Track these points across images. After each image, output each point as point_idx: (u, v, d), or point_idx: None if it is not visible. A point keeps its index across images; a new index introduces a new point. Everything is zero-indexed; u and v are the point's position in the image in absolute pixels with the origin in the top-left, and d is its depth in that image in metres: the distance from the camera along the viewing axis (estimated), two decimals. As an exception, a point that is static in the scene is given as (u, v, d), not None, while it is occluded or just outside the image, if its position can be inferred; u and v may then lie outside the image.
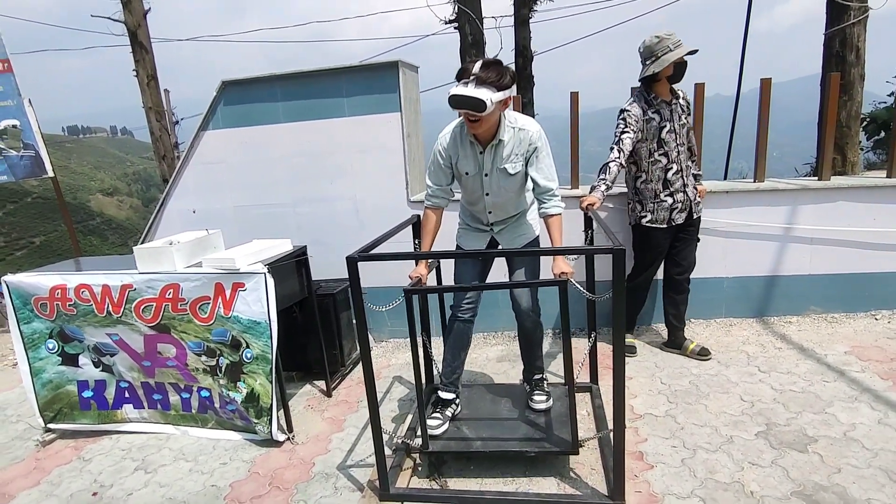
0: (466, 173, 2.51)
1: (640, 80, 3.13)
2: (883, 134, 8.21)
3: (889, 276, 3.65)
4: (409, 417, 3.01)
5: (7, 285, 3.09)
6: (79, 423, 3.21)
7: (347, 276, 2.20)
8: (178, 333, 2.92)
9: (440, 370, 2.79)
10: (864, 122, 7.93)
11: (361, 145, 3.87)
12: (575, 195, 3.67)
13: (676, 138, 3.14)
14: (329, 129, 3.87)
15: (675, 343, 3.48)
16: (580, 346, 3.69)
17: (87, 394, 3.18)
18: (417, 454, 2.59)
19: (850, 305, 3.74)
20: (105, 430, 3.21)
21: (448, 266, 3.20)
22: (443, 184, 2.57)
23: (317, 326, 3.36)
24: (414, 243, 2.93)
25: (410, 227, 2.89)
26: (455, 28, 7.69)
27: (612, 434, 2.18)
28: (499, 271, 2.80)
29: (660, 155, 3.16)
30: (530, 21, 9.03)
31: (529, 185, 2.56)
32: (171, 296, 2.87)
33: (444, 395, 2.71)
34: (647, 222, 3.24)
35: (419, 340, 2.40)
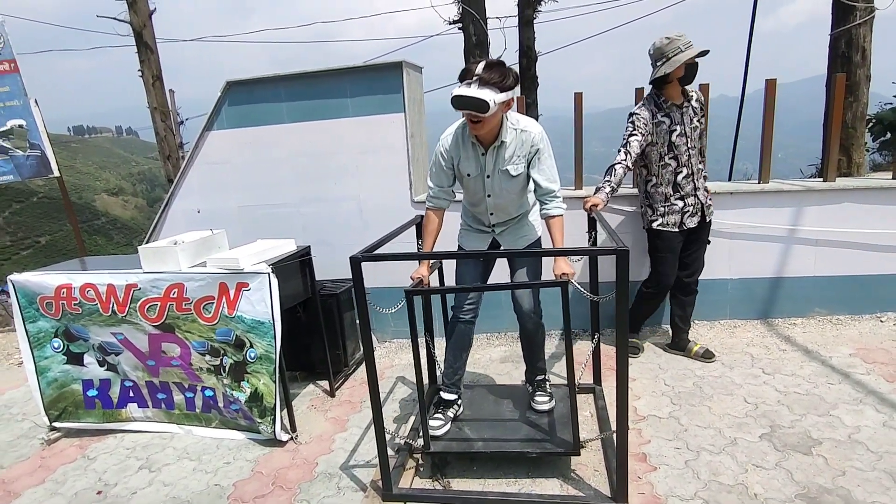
0: (468, 175, 2.51)
1: (650, 83, 3.11)
2: (889, 135, 8.17)
3: (894, 278, 3.64)
4: (412, 418, 3.01)
5: (13, 284, 3.11)
6: (83, 421, 3.23)
7: (351, 277, 2.21)
8: (183, 333, 2.93)
9: (442, 371, 2.79)
10: (870, 124, 7.89)
11: (365, 146, 3.87)
12: (579, 196, 3.66)
13: (687, 142, 3.13)
14: (333, 129, 3.88)
15: (678, 345, 3.47)
16: (584, 347, 3.69)
17: (92, 393, 3.19)
18: (420, 454, 2.59)
19: (856, 307, 3.72)
20: (110, 428, 3.22)
21: (450, 267, 3.20)
22: (444, 185, 2.57)
23: (320, 326, 3.36)
24: (417, 244, 2.94)
25: (414, 228, 2.89)
26: (459, 29, 7.68)
27: (615, 435, 2.17)
28: (501, 272, 2.80)
29: (670, 159, 3.14)
30: (534, 21, 9.02)
31: (531, 186, 2.55)
32: (175, 295, 2.88)
33: (445, 395, 2.71)
34: (657, 226, 3.23)
35: (420, 341, 2.40)
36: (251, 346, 2.85)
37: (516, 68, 8.92)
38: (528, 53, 8.92)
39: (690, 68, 3.02)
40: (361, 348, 3.72)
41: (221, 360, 2.92)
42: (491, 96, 2.17)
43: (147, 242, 3.87)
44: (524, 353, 2.85)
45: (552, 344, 3.76)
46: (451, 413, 2.68)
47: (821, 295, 3.73)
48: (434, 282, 3.05)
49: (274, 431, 2.88)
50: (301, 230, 4.04)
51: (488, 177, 2.48)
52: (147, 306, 2.93)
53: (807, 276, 3.71)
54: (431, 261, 2.75)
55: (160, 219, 4.28)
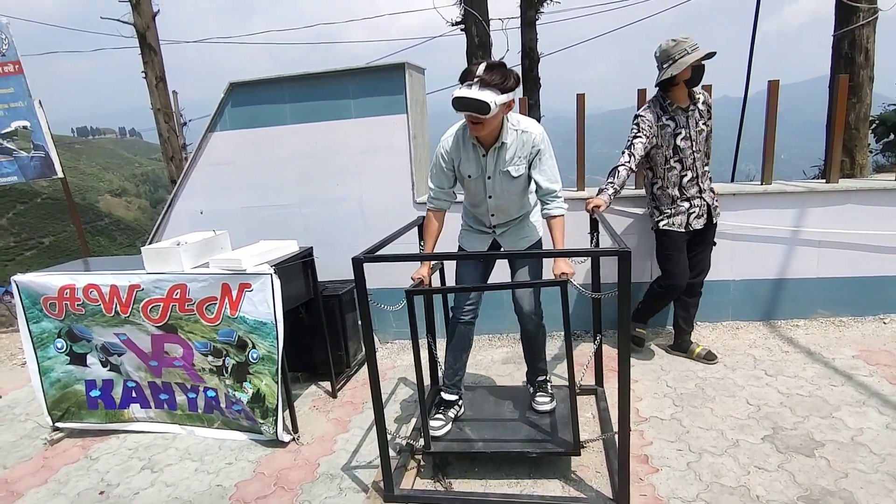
0: (469, 176, 2.51)
1: (656, 85, 3.10)
2: (892, 136, 8.16)
3: (898, 279, 3.63)
4: (414, 418, 3.01)
5: (17, 285, 3.12)
6: (86, 422, 3.24)
7: (353, 278, 2.21)
8: (185, 333, 2.94)
9: (442, 371, 2.79)
10: (874, 125, 7.88)
11: (368, 147, 3.88)
12: (581, 197, 3.66)
13: (692, 145, 3.12)
14: (336, 130, 3.88)
15: (681, 346, 3.46)
16: (587, 349, 3.69)
17: (95, 393, 3.20)
18: (421, 455, 2.59)
19: (858, 309, 3.71)
20: (112, 429, 3.23)
21: (451, 267, 3.20)
22: (445, 186, 2.57)
23: (322, 327, 3.37)
24: (419, 245, 2.94)
25: (416, 229, 2.89)
26: (462, 30, 7.70)
27: (616, 436, 2.17)
28: (502, 273, 2.80)
29: (675, 162, 3.14)
30: (537, 23, 9.02)
31: (533, 187, 2.55)
32: (178, 296, 2.89)
33: (446, 396, 2.71)
34: (664, 225, 3.22)
35: (422, 342, 2.40)
36: (253, 347, 2.85)
37: (518, 69, 8.94)
38: (530, 54, 8.93)
39: (697, 70, 3.00)
40: (363, 349, 3.73)
41: (224, 360, 2.93)
42: (492, 98, 2.17)
43: (150, 243, 3.88)
44: (525, 354, 2.85)
45: (553, 345, 3.76)
46: (451, 414, 2.68)
47: (824, 296, 3.72)
48: (436, 282, 3.05)
49: (276, 432, 2.88)
50: (303, 231, 4.05)
51: (489, 178, 2.48)
52: (150, 307, 2.94)
53: (810, 277, 3.70)
54: (432, 261, 2.75)
55: (163, 220, 4.29)
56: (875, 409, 2.70)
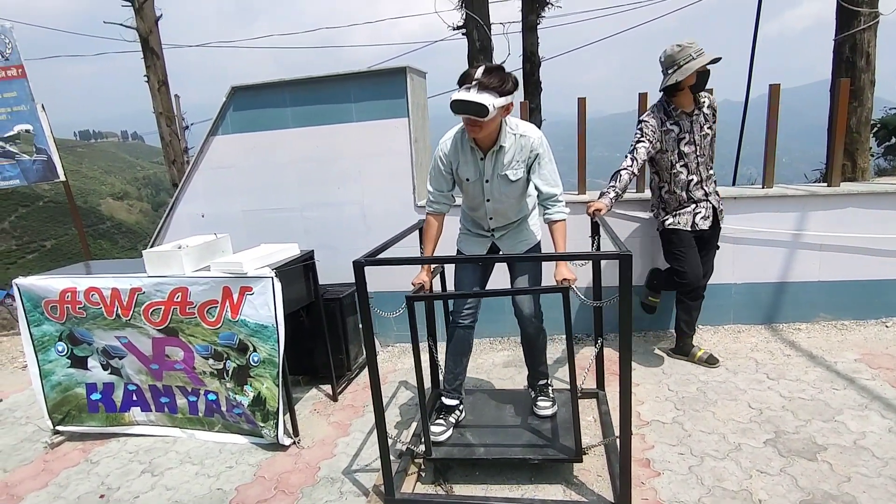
0: (467, 179, 2.51)
1: (661, 90, 3.10)
2: (893, 140, 8.16)
3: (900, 283, 3.62)
4: (415, 422, 3.00)
5: (18, 288, 3.13)
6: (87, 425, 3.24)
7: (354, 281, 2.21)
8: (186, 337, 2.94)
9: (443, 376, 2.78)
10: (875, 128, 7.88)
11: (369, 150, 3.89)
12: (582, 201, 3.66)
13: (696, 150, 3.12)
14: (337, 134, 3.89)
15: (682, 350, 3.45)
16: (588, 352, 3.68)
17: (96, 396, 3.20)
18: (422, 460, 2.59)
19: (860, 313, 3.70)
20: (113, 432, 3.23)
21: (452, 271, 3.20)
22: (444, 189, 2.57)
23: (323, 331, 3.37)
24: (420, 248, 2.94)
25: (417, 232, 2.89)
26: (463, 34, 7.71)
27: (618, 441, 2.17)
28: (501, 277, 2.80)
29: (681, 167, 3.14)
30: (538, 27, 9.04)
31: (531, 190, 2.55)
32: (179, 299, 2.89)
33: (447, 401, 2.70)
34: (670, 224, 3.22)
35: (423, 345, 2.40)
36: (254, 350, 2.85)
37: (520, 73, 8.97)
38: (531, 58, 8.94)
39: (702, 76, 3.00)
40: (364, 352, 3.73)
41: (225, 363, 2.93)
42: (490, 100, 2.17)
43: (151, 246, 3.89)
44: (526, 358, 2.84)
45: (555, 349, 3.75)
46: (452, 418, 2.67)
47: (825, 300, 3.71)
48: (437, 286, 3.05)
49: (276, 435, 2.88)
50: (305, 234, 4.06)
51: (487, 181, 2.48)
52: (151, 310, 2.94)
53: (811, 280, 3.69)
54: (432, 266, 2.74)
55: (165, 223, 4.30)
56: (877, 413, 2.69)
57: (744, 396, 2.96)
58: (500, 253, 2.71)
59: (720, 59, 2.99)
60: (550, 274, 2.47)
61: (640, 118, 3.17)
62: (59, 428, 3.24)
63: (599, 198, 3.09)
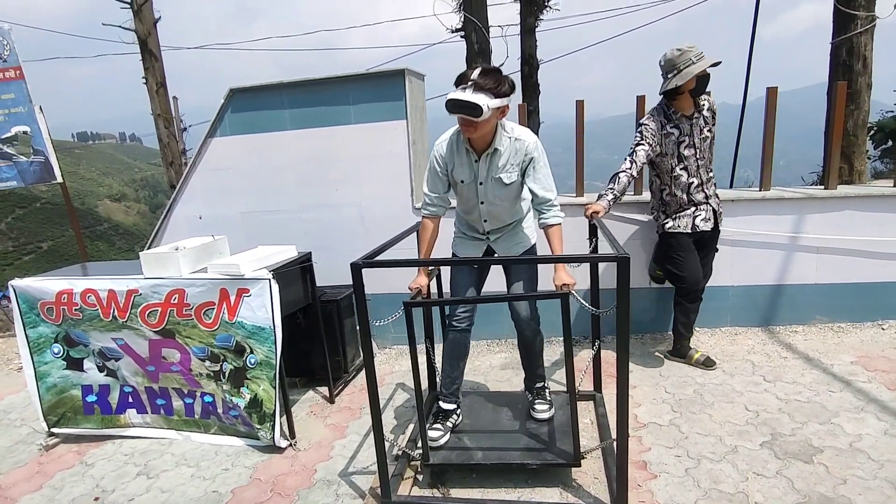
0: (461, 181, 2.51)
1: (661, 94, 3.11)
2: (890, 143, 8.18)
3: (896, 286, 3.63)
4: (412, 425, 3.00)
5: (14, 289, 3.11)
6: (82, 427, 3.22)
7: (352, 283, 2.21)
8: (183, 338, 2.93)
9: (440, 380, 2.77)
10: (872, 131, 7.90)
11: (367, 152, 3.89)
12: (580, 203, 3.67)
13: (696, 153, 3.12)
14: (335, 136, 3.89)
15: (679, 352, 3.45)
16: (585, 354, 3.68)
17: (91, 398, 3.19)
18: (419, 464, 2.58)
19: (857, 315, 3.71)
20: (108, 434, 3.22)
21: (448, 273, 3.20)
22: (440, 192, 2.56)
23: (320, 333, 3.36)
24: (418, 251, 2.94)
25: (415, 235, 2.89)
26: (461, 37, 7.72)
27: (615, 443, 2.16)
28: (497, 279, 2.80)
29: (681, 170, 3.15)
30: (536, 30, 9.07)
31: (525, 194, 2.55)
32: (176, 301, 2.89)
33: (444, 405, 2.69)
34: (670, 228, 3.22)
35: (420, 347, 2.39)
36: (251, 352, 2.85)
37: (518, 76, 8.99)
38: (529, 61, 8.96)
39: (702, 79, 3.00)
40: (361, 354, 3.72)
41: (221, 365, 2.92)
42: (484, 101, 2.18)
43: (149, 248, 3.88)
44: (523, 361, 2.84)
45: (552, 351, 3.75)
46: (449, 423, 2.66)
47: (822, 302, 3.72)
48: (434, 289, 3.05)
49: (273, 438, 2.87)
50: (302, 236, 4.05)
51: (481, 184, 2.48)
52: (147, 312, 2.93)
53: (808, 283, 3.70)
54: (430, 268, 2.74)
55: (162, 225, 4.29)
56: (873, 416, 2.70)
57: (740, 399, 2.96)
58: (496, 255, 2.70)
59: (720, 62, 2.99)
60: (547, 276, 2.47)
61: (640, 121, 3.17)
62: (55, 430, 3.23)
63: (597, 200, 3.10)
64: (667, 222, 3.24)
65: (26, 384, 3.24)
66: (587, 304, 2.33)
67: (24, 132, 4.49)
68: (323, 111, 3.87)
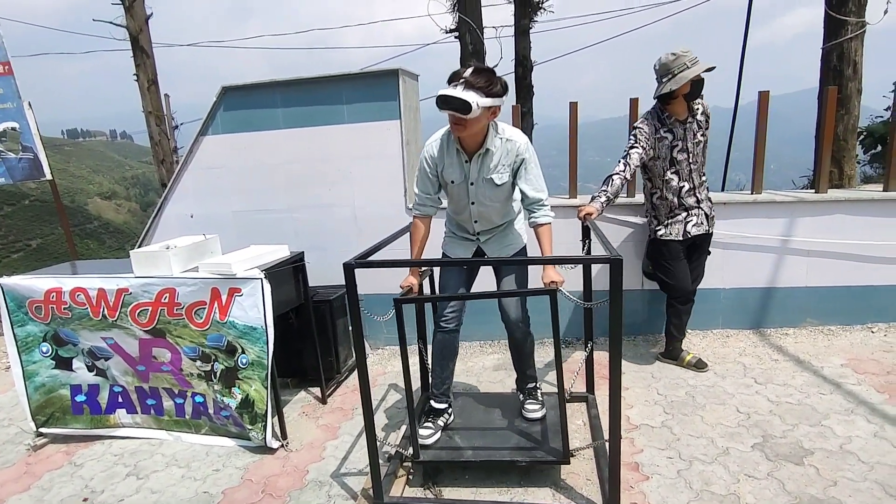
0: (452, 182, 2.50)
1: (655, 98, 3.11)
2: (879, 148, 8.26)
3: (886, 289, 3.66)
4: (404, 425, 2.99)
5: (2, 288, 3.08)
6: (71, 427, 3.19)
7: (344, 283, 2.20)
8: (174, 338, 2.91)
9: (431, 380, 2.77)
10: (861, 136, 7.98)
11: (361, 152, 3.88)
12: (574, 205, 3.68)
13: (689, 157, 3.14)
14: (328, 135, 3.88)
15: (671, 354, 3.47)
16: (578, 355, 3.69)
17: (81, 398, 3.16)
18: (411, 463, 2.58)
19: (847, 318, 3.74)
20: (97, 434, 3.18)
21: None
22: (430, 192, 2.56)
23: (313, 333, 3.34)
24: (410, 251, 2.93)
25: (408, 235, 2.88)
26: (456, 37, 7.73)
27: (607, 444, 2.17)
28: (487, 280, 2.79)
29: (672, 174, 3.16)
30: (530, 31, 9.09)
31: (516, 195, 2.55)
32: (167, 300, 2.86)
33: (435, 404, 2.69)
34: (661, 235, 3.24)
35: (413, 348, 2.39)
36: (243, 352, 2.83)
37: (512, 77, 9.01)
38: (523, 62, 8.99)
39: (696, 84, 3.00)
40: (354, 355, 3.71)
41: (212, 365, 2.90)
42: (474, 99, 2.17)
43: (139, 247, 3.84)
44: (514, 362, 2.84)
45: (545, 352, 3.75)
46: (441, 422, 2.66)
47: (813, 305, 3.75)
48: (428, 290, 3.04)
49: (264, 438, 2.85)
50: (295, 236, 4.03)
51: (472, 184, 2.48)
52: (138, 311, 2.91)
53: (799, 286, 3.73)
54: (421, 268, 2.74)
55: (153, 223, 4.26)
56: (863, 418, 2.72)
57: (732, 401, 2.98)
58: (486, 257, 2.70)
59: (714, 67, 3.00)
60: (537, 278, 2.46)
61: (634, 124, 3.18)
62: (43, 430, 3.19)
63: (590, 202, 3.11)
64: (659, 229, 3.25)
65: (14, 384, 3.20)
66: (575, 299, 2.33)
67: (13, 128, 4.44)
68: (316, 110, 3.85)
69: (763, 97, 3.61)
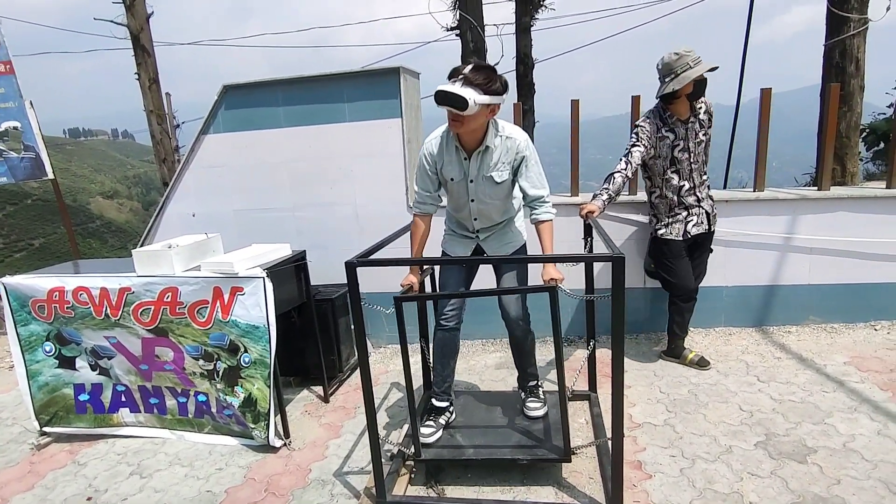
0: (451, 179, 2.50)
1: (657, 97, 3.11)
2: (882, 145, 8.24)
3: (888, 286, 3.65)
4: (406, 424, 2.99)
5: (5, 287, 3.08)
6: (74, 426, 3.20)
7: (346, 282, 2.20)
8: (176, 337, 2.91)
9: (432, 379, 2.77)
10: (864, 133, 7.97)
11: (362, 150, 3.87)
12: (575, 203, 3.67)
13: (690, 157, 3.13)
14: (330, 134, 3.87)
15: (674, 352, 3.47)
16: (580, 354, 3.69)
17: (84, 397, 3.16)
18: (413, 462, 2.58)
19: (850, 316, 3.73)
20: (101, 433, 3.19)
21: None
22: (430, 189, 2.55)
23: (315, 331, 3.35)
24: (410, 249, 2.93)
25: (410, 233, 2.88)
26: (457, 35, 7.72)
27: (610, 443, 2.17)
28: (487, 278, 2.79)
29: (672, 173, 3.16)
30: (531, 29, 9.07)
31: (516, 192, 2.55)
32: (169, 299, 2.87)
33: (437, 403, 2.69)
34: (662, 234, 3.24)
35: (415, 346, 2.39)
36: (245, 351, 2.83)
37: (513, 75, 8.99)
38: (524, 60, 8.98)
39: (699, 84, 2.99)
40: (356, 353, 3.71)
41: (215, 364, 2.90)
42: (472, 95, 2.17)
43: (141, 246, 3.85)
44: (515, 360, 2.83)
45: (547, 350, 3.75)
46: (442, 420, 2.66)
47: (815, 303, 3.74)
48: (428, 288, 3.04)
49: (267, 437, 2.85)
50: (296, 234, 4.03)
51: (471, 181, 2.47)
52: (140, 310, 2.91)
53: (801, 284, 3.72)
54: (422, 267, 2.74)
55: (155, 222, 4.26)
56: (866, 416, 2.72)
57: (735, 399, 2.97)
58: (486, 254, 2.70)
59: (717, 67, 2.98)
60: (537, 275, 2.46)
61: (636, 123, 3.18)
62: (46, 429, 3.20)
63: (592, 200, 3.10)
64: (660, 228, 3.25)
65: (17, 383, 3.21)
66: (574, 294, 2.32)
67: (15, 128, 4.44)
68: (317, 109, 3.85)
69: (765, 94, 3.60)
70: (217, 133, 4.01)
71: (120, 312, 2.94)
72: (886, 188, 3.65)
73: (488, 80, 2.22)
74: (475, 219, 2.59)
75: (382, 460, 2.36)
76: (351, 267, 2.17)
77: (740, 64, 6.68)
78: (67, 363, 3.14)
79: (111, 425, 3.18)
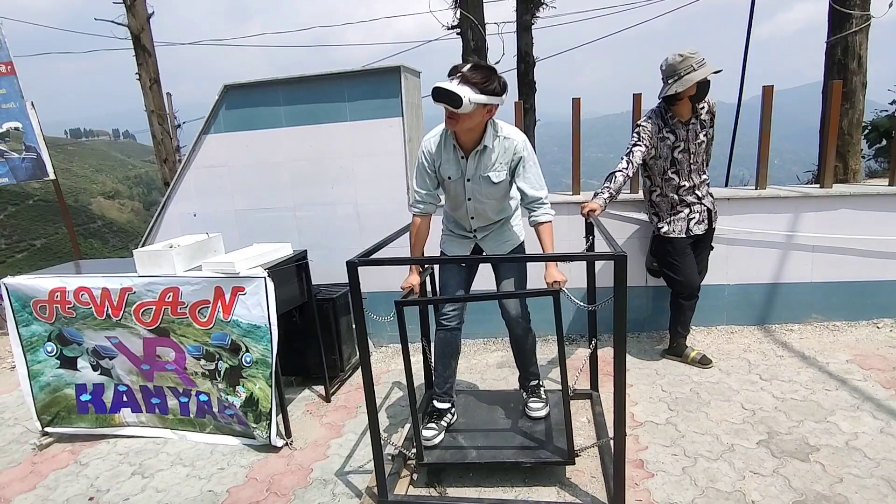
0: (449, 178, 2.50)
1: (660, 98, 3.10)
2: (884, 142, 8.21)
3: (891, 284, 3.64)
4: (408, 423, 2.99)
5: (6, 288, 3.08)
6: (76, 426, 3.20)
7: (347, 281, 2.20)
8: (178, 337, 2.91)
9: (434, 379, 2.76)
10: (866, 131, 7.93)
11: (363, 150, 3.87)
12: (576, 201, 3.67)
13: (690, 157, 3.12)
14: (331, 133, 3.87)
15: (676, 350, 3.46)
16: (582, 352, 3.68)
17: (85, 397, 3.17)
18: (415, 463, 2.57)
19: (852, 314, 3.72)
20: (102, 433, 3.19)
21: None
22: (429, 188, 2.54)
23: (316, 331, 3.35)
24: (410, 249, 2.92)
25: (409, 233, 2.88)
26: (457, 34, 7.70)
27: (612, 442, 2.16)
28: (487, 277, 2.79)
29: (672, 173, 3.15)
30: (532, 27, 9.05)
31: (513, 192, 2.54)
32: (170, 299, 2.87)
33: (438, 404, 2.68)
34: (665, 232, 3.23)
35: (416, 346, 2.38)
36: (247, 351, 2.83)
37: (514, 73, 8.97)
38: (525, 59, 8.95)
39: (702, 86, 2.98)
40: (357, 353, 3.71)
41: (216, 364, 2.90)
42: (468, 93, 2.16)
43: (143, 246, 3.85)
44: (516, 360, 2.83)
45: (548, 349, 3.75)
46: (444, 422, 2.65)
47: (818, 301, 3.73)
48: (428, 287, 3.03)
49: (269, 437, 2.85)
50: (298, 234, 4.03)
51: (468, 180, 2.47)
52: (142, 310, 2.91)
53: (804, 281, 3.71)
54: (422, 267, 2.73)
55: (156, 222, 4.26)
56: (869, 414, 2.71)
57: (737, 397, 2.97)
58: (484, 254, 2.69)
59: (721, 70, 2.97)
60: (536, 274, 2.45)
61: (638, 122, 3.17)
62: (48, 429, 3.20)
63: (593, 198, 3.09)
64: (662, 226, 3.24)
65: (19, 383, 3.21)
66: (578, 301, 2.32)
67: (16, 128, 4.44)
68: (318, 108, 3.85)
69: (767, 92, 3.59)
70: (218, 133, 4.01)
71: (121, 312, 2.94)
72: (889, 185, 3.64)
73: (485, 79, 2.22)
74: (472, 217, 2.59)
75: (384, 460, 2.36)
76: (352, 266, 2.16)
77: (742, 61, 6.66)
78: (69, 363, 3.14)
79: (113, 425, 3.19)
